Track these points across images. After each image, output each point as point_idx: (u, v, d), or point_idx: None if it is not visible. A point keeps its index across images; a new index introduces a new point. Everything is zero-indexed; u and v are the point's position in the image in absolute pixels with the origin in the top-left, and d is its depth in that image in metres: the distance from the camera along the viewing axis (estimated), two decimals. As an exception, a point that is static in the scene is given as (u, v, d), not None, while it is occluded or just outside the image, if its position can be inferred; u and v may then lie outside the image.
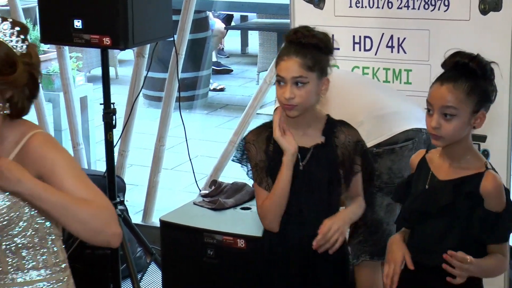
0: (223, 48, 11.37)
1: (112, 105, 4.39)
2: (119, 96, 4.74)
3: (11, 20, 2.44)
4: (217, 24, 10.38)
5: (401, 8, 4.07)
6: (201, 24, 8.43)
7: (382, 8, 4.11)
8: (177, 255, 4.00)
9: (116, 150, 4.82)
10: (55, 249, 2.57)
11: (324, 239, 2.93)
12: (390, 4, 4.09)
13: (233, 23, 11.78)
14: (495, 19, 3.85)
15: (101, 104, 4.42)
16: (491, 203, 2.80)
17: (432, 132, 2.80)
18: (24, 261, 2.52)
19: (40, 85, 2.59)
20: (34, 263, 2.52)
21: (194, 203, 4.22)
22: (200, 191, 4.71)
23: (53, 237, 2.56)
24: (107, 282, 4.69)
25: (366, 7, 4.15)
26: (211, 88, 9.48)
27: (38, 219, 2.50)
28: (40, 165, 2.43)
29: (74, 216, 2.35)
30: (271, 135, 3.02)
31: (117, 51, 8.98)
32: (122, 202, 4.66)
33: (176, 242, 4.01)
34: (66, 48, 5.64)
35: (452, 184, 2.82)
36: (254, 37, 11.17)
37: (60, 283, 2.59)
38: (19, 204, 2.45)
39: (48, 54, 6.37)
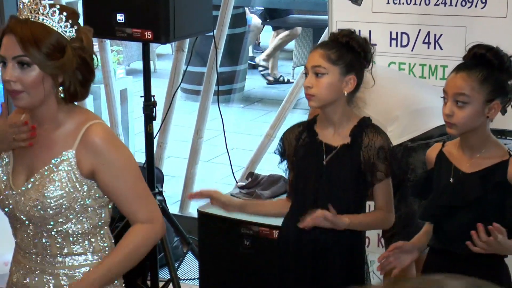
0: (259, 43, 11.36)
1: (152, 98, 4.40)
2: (157, 89, 4.74)
3: (58, 6, 2.45)
4: (254, 19, 10.38)
5: (438, 4, 4.05)
6: (238, 19, 8.43)
7: (419, 4, 4.09)
8: (214, 245, 4.02)
9: (155, 142, 4.83)
10: (103, 235, 2.59)
11: (311, 219, 2.90)
12: (427, 1, 4.07)
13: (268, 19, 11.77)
14: (532, 17, 3.83)
15: (141, 96, 4.43)
16: None
17: (446, 120, 2.80)
18: (73, 246, 2.54)
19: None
20: (82, 249, 2.54)
21: (232, 195, 4.22)
22: (237, 183, 4.72)
23: (103, 225, 2.59)
24: (146, 270, 4.72)
25: (403, 3, 4.14)
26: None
27: (91, 208, 2.52)
28: (97, 160, 2.47)
29: (138, 258, 2.57)
30: (302, 133, 3.06)
31: (155, 45, 9.01)
32: (160, 193, 4.68)
33: (213, 232, 4.02)
34: (108, 41, 5.68)
35: (478, 176, 2.79)
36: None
37: None
38: (74, 195, 2.48)
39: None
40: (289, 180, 3.17)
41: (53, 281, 2.55)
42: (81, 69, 2.46)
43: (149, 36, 4.11)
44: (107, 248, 2.59)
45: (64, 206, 2.46)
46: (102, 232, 2.58)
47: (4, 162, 2.59)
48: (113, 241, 2.64)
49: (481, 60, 2.77)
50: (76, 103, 2.57)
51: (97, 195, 2.52)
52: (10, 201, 2.52)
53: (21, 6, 2.44)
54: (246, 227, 3.87)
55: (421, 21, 4.11)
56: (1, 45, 2.42)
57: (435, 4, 4.06)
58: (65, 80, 2.43)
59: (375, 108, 3.19)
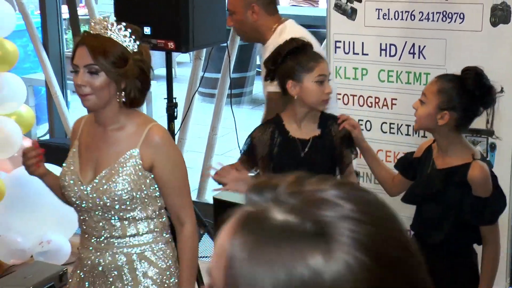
0: (265, 53, 11.35)
1: (174, 100, 4.43)
2: (177, 93, 4.76)
3: (124, 24, 2.53)
4: (261, 32, 10.34)
5: (422, 20, 4.06)
6: (248, 32, 8.43)
7: (406, 20, 4.11)
8: (227, 227, 4.04)
9: (176, 138, 4.85)
10: (162, 215, 2.69)
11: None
12: (412, 17, 4.09)
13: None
14: (504, 31, 3.83)
15: (164, 98, 4.46)
16: (478, 190, 2.82)
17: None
18: (138, 228, 2.60)
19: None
20: (147, 229, 2.62)
21: (242, 184, 4.25)
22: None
23: (161, 208, 2.68)
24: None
25: (392, 19, 4.15)
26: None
27: (152, 197, 2.60)
28: (157, 155, 2.57)
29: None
30: (275, 130, 3.07)
31: (176, 54, 9.02)
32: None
33: (226, 216, 4.03)
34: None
35: (444, 173, 2.84)
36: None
37: (166, 244, 2.72)
38: (139, 187, 2.55)
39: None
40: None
41: (125, 259, 2.62)
42: (140, 78, 2.56)
43: (171, 46, 4.14)
44: (166, 225, 2.70)
45: (130, 196, 2.54)
46: (161, 213, 2.68)
47: (71, 161, 2.66)
48: (167, 220, 2.73)
49: (456, 76, 2.84)
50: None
51: (156, 186, 2.61)
52: (80, 194, 2.59)
53: (92, 24, 2.55)
54: (255, 212, 3.89)
55: (407, 34, 4.12)
56: (75, 55, 2.52)
57: (420, 20, 4.07)
58: (126, 86, 2.53)
59: None
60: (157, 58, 8.44)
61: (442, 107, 2.81)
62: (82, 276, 2.70)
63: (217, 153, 5.82)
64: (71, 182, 2.61)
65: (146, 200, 2.58)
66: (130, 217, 2.58)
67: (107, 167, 2.55)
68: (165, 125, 4.47)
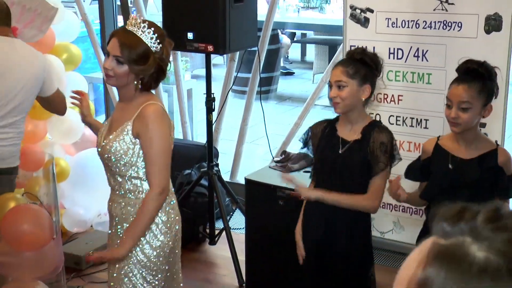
0: (288, 56, 11.32)
1: (212, 95, 4.41)
2: (212, 90, 4.77)
3: (154, 28, 2.56)
4: (284, 39, 10.34)
5: (425, 28, 4.01)
6: (273, 38, 8.40)
7: (411, 27, 4.05)
8: (257, 204, 4.00)
9: (212, 128, 4.84)
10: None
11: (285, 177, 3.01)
12: (417, 25, 4.03)
13: (294, 38, 11.73)
14: (496, 37, 3.77)
15: (204, 94, 4.44)
16: (509, 169, 2.73)
17: (451, 121, 2.70)
18: (136, 183, 2.67)
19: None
20: (143, 187, 2.69)
21: (269, 167, 4.22)
22: (273, 158, 4.71)
23: None
24: (205, 221, 4.74)
25: (399, 26, 4.10)
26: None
27: (141, 159, 2.67)
28: (142, 128, 2.60)
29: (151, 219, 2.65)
30: (326, 128, 2.98)
31: (213, 56, 8.97)
32: (217, 165, 4.69)
33: (256, 195, 4.01)
34: (179, 53, 5.68)
35: (476, 162, 2.71)
36: (310, 48, 11.10)
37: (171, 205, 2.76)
38: (130, 151, 2.63)
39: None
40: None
41: (132, 209, 2.68)
42: (158, 72, 2.64)
43: (210, 49, 4.11)
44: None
45: (124, 158, 2.62)
46: None
47: (105, 123, 2.81)
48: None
49: (474, 73, 2.67)
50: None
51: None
52: (97, 151, 2.73)
53: (128, 21, 2.60)
54: (281, 191, 3.85)
55: (412, 40, 4.07)
56: (109, 43, 2.62)
57: (423, 27, 4.01)
58: (144, 76, 2.62)
59: None
60: (196, 60, 8.44)
61: (486, 103, 2.69)
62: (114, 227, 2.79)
63: (247, 141, 5.80)
64: (97, 141, 2.76)
65: (137, 163, 2.63)
66: (128, 175, 2.65)
67: (111, 133, 2.66)
68: (204, 117, 4.46)
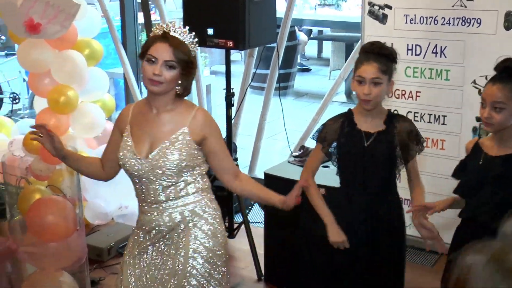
0: (304, 53, 11.33)
1: (231, 90, 4.43)
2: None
3: (193, 33, 2.57)
4: (301, 35, 10.34)
5: (444, 24, 4.00)
6: (291, 35, 8.40)
7: (430, 24, 4.05)
8: (276, 197, 4.02)
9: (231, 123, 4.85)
10: (206, 181, 2.71)
11: (415, 208, 2.85)
12: (435, 22, 4.03)
13: (311, 35, 11.73)
14: (515, 34, 3.77)
15: (224, 89, 4.46)
16: None
17: (484, 121, 2.66)
18: (188, 190, 2.62)
19: None
20: (194, 189, 2.64)
21: (288, 162, 4.24)
22: (292, 153, 4.72)
23: (205, 174, 2.70)
24: (224, 215, 4.75)
25: (417, 23, 4.10)
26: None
27: (198, 162, 2.63)
28: (206, 129, 2.60)
29: None
30: (344, 123, 2.95)
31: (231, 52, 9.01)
32: (236, 159, 4.71)
33: (274, 189, 3.97)
34: (198, 48, 5.68)
35: (501, 159, 2.68)
36: (326, 45, 11.09)
37: (211, 201, 2.72)
38: (188, 158, 2.57)
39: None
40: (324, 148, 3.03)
41: (180, 217, 2.62)
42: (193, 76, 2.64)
43: (230, 44, 4.13)
44: (208, 188, 2.71)
45: (181, 166, 2.56)
46: (205, 176, 2.70)
47: (127, 139, 2.65)
48: (209, 183, 2.74)
49: (510, 72, 2.61)
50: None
51: (201, 156, 2.63)
52: (138, 167, 2.58)
53: (165, 26, 2.55)
54: (299, 185, 3.87)
55: (430, 36, 4.07)
56: (153, 48, 2.51)
57: (442, 24, 4.01)
58: (182, 81, 2.55)
59: None
60: (215, 56, 8.48)
61: None
62: (142, 236, 2.70)
63: (265, 136, 5.81)
64: (129, 156, 2.60)
65: (194, 167, 2.61)
66: (181, 182, 2.60)
67: (162, 142, 2.57)
68: (223, 112, 4.48)
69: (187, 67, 2.52)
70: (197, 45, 2.61)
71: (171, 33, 2.53)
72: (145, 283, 2.67)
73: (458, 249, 2.80)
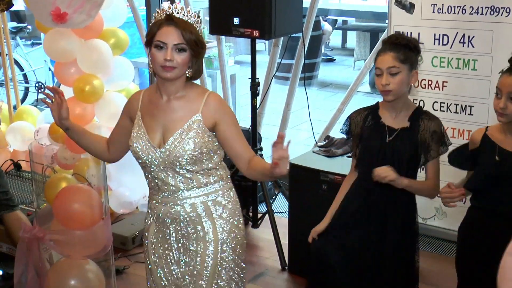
0: (329, 43, 11.25)
1: (257, 79, 4.41)
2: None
3: (197, 13, 2.51)
4: (326, 26, 10.27)
5: (472, 14, 3.94)
6: (316, 25, 8.32)
7: (457, 13, 3.99)
8: (300, 188, 4.01)
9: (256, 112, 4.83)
10: (224, 167, 2.64)
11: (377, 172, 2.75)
12: (463, 11, 3.96)
13: (336, 25, 11.65)
14: (546, 23, 3.69)
15: (249, 78, 4.44)
16: None
17: (499, 111, 2.61)
18: (207, 178, 2.57)
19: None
20: (213, 179, 2.58)
21: (313, 152, 4.21)
22: (316, 143, 4.69)
23: (221, 160, 2.63)
24: (249, 204, 4.76)
25: (445, 12, 4.04)
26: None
27: (213, 149, 2.56)
28: (218, 114, 2.52)
29: None
30: (368, 116, 2.91)
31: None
32: (261, 149, 4.70)
33: (299, 178, 4.01)
34: (223, 38, 5.67)
35: None
36: (350, 35, 11.01)
37: (231, 190, 2.67)
38: (203, 144, 2.51)
39: (210, 43, 6.42)
40: (354, 154, 3.01)
41: (202, 206, 2.57)
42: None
43: (256, 34, 4.11)
44: (227, 175, 2.64)
45: (198, 153, 2.50)
46: (222, 163, 2.63)
47: (137, 128, 2.57)
48: (228, 171, 2.67)
49: None
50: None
51: (216, 142, 2.56)
52: (153, 156, 2.52)
53: (171, 10, 2.45)
54: (324, 175, 3.85)
55: (458, 26, 4.01)
56: (160, 33, 2.43)
57: (470, 13, 3.95)
58: (193, 64, 2.49)
59: None
60: (240, 46, 8.44)
61: None
62: (160, 229, 2.65)
63: (290, 126, 5.78)
64: (143, 145, 2.53)
65: (211, 153, 2.53)
66: (201, 170, 2.53)
67: (175, 131, 2.49)
68: (247, 102, 4.46)
69: (196, 48, 2.44)
70: (202, 24, 2.51)
71: (176, 15, 2.43)
72: (175, 276, 2.65)
73: (471, 239, 2.75)
